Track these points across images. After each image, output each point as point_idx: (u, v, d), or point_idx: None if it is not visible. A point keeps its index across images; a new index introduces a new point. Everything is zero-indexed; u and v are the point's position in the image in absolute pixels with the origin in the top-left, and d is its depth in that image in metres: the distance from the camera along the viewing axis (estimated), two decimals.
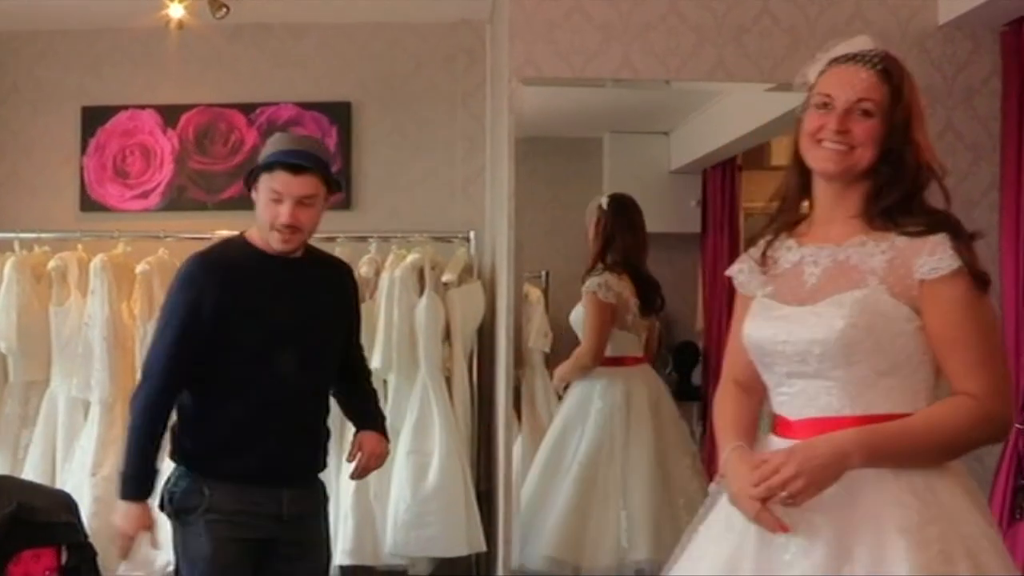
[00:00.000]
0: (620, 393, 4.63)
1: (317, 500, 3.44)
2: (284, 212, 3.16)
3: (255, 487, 3.19)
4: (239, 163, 5.32)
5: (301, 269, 3.31)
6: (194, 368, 3.21)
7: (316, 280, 3.34)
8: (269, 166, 3.19)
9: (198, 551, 3.18)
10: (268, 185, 3.19)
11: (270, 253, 3.25)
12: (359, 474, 3.52)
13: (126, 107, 5.39)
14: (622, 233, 4.69)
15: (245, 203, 5.17)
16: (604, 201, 4.72)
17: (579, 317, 4.72)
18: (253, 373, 3.20)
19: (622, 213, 4.70)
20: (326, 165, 3.26)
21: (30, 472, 4.66)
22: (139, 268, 4.80)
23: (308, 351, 3.26)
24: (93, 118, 5.39)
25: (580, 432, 4.58)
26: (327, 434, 3.50)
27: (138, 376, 3.40)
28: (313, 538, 3.37)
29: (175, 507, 3.23)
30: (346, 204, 5.31)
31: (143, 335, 4.59)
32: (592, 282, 4.62)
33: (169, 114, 5.38)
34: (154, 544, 3.28)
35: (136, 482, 3.20)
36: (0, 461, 4.74)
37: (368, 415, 3.58)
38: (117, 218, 5.26)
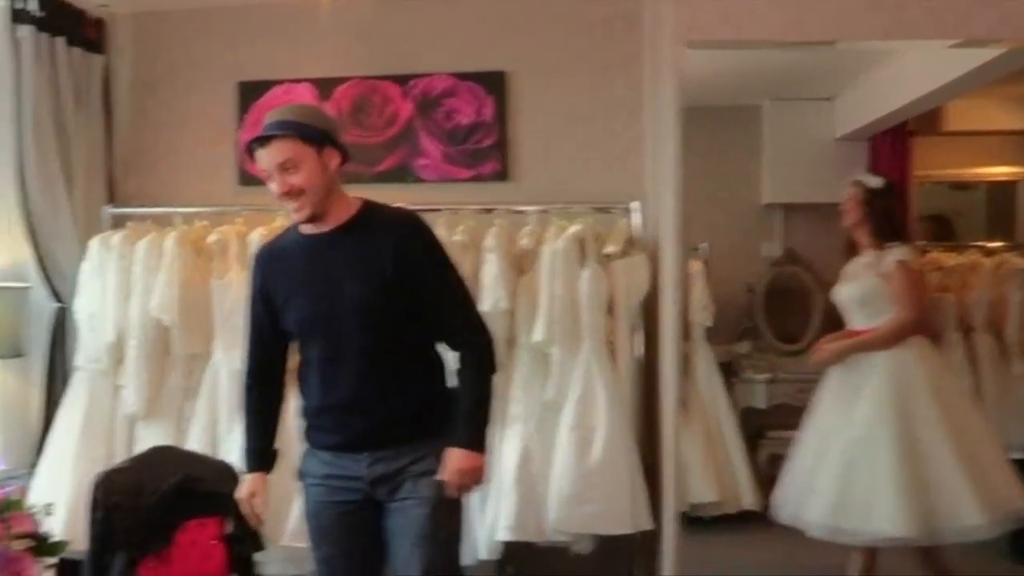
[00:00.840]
0: (937, 357, 4.61)
1: (424, 461, 3.24)
2: (275, 185, 3.20)
3: (340, 453, 3.31)
4: (395, 135, 5.33)
5: (331, 241, 3.25)
6: (280, 351, 3.46)
7: (349, 247, 3.24)
8: (249, 152, 3.24)
9: (305, 512, 3.43)
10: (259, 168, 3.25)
11: (307, 233, 3.30)
12: (452, 491, 3.25)
13: (281, 81, 5.41)
14: (899, 210, 4.69)
15: (402, 175, 5.29)
16: (874, 181, 4.62)
17: (867, 291, 4.56)
18: (307, 352, 3.35)
19: (892, 191, 4.66)
20: (298, 124, 3.16)
21: (193, 443, 4.73)
22: None
23: (350, 322, 3.21)
24: (249, 93, 5.42)
25: (906, 400, 4.41)
26: (430, 395, 3.32)
27: None
28: (414, 495, 3.24)
29: (296, 472, 3.46)
30: (503, 175, 5.27)
31: None
32: (898, 252, 4.50)
33: (324, 87, 5.37)
34: (264, 506, 3.44)
35: (243, 454, 3.50)
36: (164, 432, 4.81)
37: (454, 424, 3.28)
38: None
